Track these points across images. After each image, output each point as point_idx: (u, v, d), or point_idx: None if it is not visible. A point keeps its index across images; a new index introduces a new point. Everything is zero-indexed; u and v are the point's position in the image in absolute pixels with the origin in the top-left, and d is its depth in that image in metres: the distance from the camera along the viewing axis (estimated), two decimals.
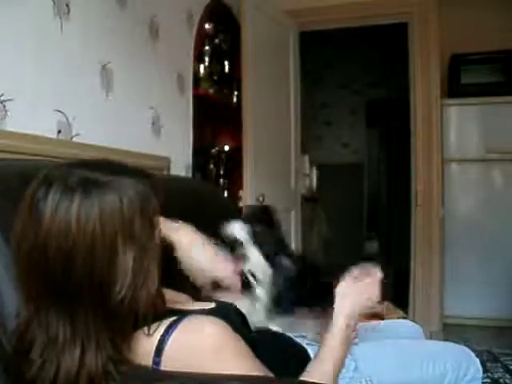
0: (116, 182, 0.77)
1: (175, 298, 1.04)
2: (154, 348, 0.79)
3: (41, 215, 0.73)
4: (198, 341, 0.80)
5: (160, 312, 0.85)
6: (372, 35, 4.59)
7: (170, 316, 0.84)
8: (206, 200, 1.82)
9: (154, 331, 0.80)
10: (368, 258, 5.18)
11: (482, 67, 3.35)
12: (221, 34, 2.90)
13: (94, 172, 0.77)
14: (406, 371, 1.07)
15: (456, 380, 1.09)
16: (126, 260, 0.75)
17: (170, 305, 0.94)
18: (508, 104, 3.28)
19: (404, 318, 1.50)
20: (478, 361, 1.14)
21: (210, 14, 2.68)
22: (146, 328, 0.81)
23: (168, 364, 0.78)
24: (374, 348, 1.12)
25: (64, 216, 0.73)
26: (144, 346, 0.80)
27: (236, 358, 0.81)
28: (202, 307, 0.96)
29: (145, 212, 0.79)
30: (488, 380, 2.34)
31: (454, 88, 3.36)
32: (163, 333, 0.80)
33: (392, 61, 4.77)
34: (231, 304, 1.02)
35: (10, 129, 1.36)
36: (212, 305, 0.99)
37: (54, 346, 0.74)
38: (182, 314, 0.85)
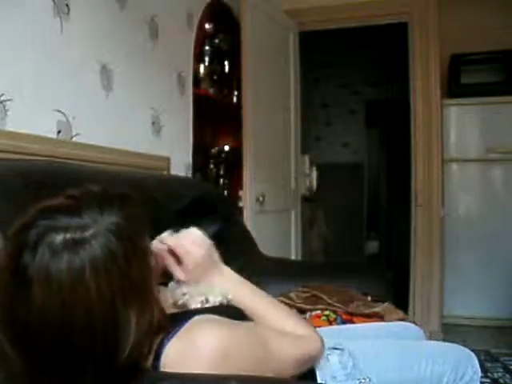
0: (98, 228, 0.71)
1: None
2: (152, 354, 0.78)
3: (30, 285, 0.67)
4: (195, 351, 0.77)
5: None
6: (372, 35, 4.59)
7: (167, 323, 0.82)
8: (205, 200, 1.82)
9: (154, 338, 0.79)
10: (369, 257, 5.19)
11: (482, 67, 3.35)
12: (221, 34, 2.90)
13: (72, 218, 0.70)
14: (405, 371, 1.07)
15: (454, 380, 1.09)
16: (129, 316, 0.71)
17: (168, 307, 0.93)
18: (508, 104, 3.28)
19: (403, 319, 1.50)
20: (476, 362, 1.13)
21: (210, 14, 2.68)
22: None
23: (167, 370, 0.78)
24: (375, 347, 1.12)
25: (57, 284, 0.67)
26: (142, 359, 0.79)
27: (245, 359, 0.80)
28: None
29: (137, 247, 0.76)
30: (488, 380, 2.34)
31: (454, 88, 3.37)
32: (158, 345, 0.78)
33: (392, 61, 4.77)
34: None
35: (10, 129, 1.36)
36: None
37: None
38: (180, 318, 0.84)
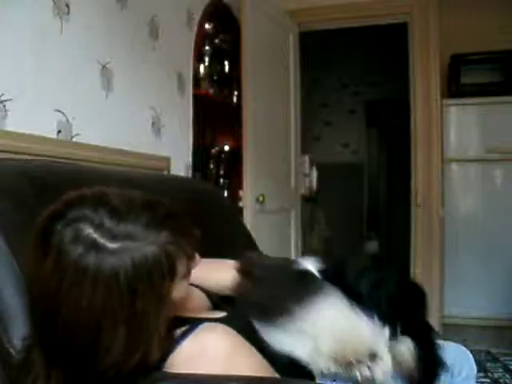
0: (128, 247, 0.69)
1: (194, 302, 1.01)
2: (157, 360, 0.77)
3: (46, 253, 0.69)
4: (205, 354, 0.77)
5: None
6: (372, 35, 4.59)
7: (180, 325, 0.82)
8: (206, 200, 1.82)
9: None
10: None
11: (481, 67, 3.34)
12: (221, 34, 2.90)
13: (113, 223, 0.70)
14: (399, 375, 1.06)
15: (451, 378, 1.09)
16: (114, 339, 0.69)
17: (184, 310, 0.93)
18: (508, 104, 3.28)
19: None
20: (472, 358, 1.14)
21: (210, 14, 2.69)
22: None
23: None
24: None
25: (61, 270, 0.68)
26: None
27: (246, 360, 0.79)
28: (214, 315, 0.95)
29: (156, 281, 0.71)
30: (488, 380, 2.34)
31: (454, 88, 3.36)
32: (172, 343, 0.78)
33: (392, 61, 4.77)
34: (244, 313, 1.00)
35: (10, 129, 1.36)
36: (223, 313, 0.97)
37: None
38: (192, 323, 0.83)
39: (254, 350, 0.82)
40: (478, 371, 2.39)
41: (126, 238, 0.70)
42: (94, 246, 0.68)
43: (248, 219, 2.57)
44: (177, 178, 2.14)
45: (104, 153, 1.71)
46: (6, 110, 1.35)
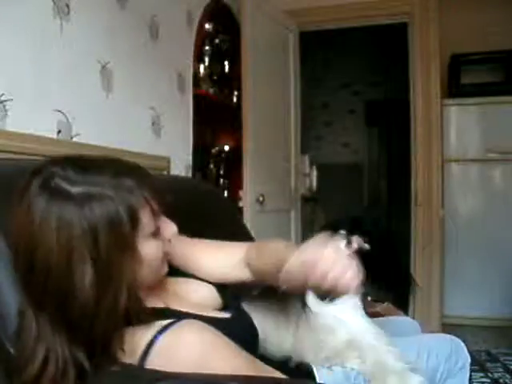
0: (90, 193, 0.74)
1: (197, 297, 1.00)
2: (140, 352, 0.77)
3: (21, 204, 0.75)
4: (179, 351, 0.77)
5: (155, 311, 0.84)
6: (372, 35, 4.59)
7: (165, 318, 0.82)
8: (206, 200, 1.82)
9: (143, 333, 0.79)
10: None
11: (482, 67, 3.35)
12: (221, 34, 2.90)
13: (77, 174, 0.75)
14: None
15: (448, 369, 1.11)
16: (83, 277, 0.72)
17: (186, 305, 0.93)
18: (508, 104, 3.28)
19: None
20: (465, 349, 1.17)
21: (210, 14, 2.68)
22: (133, 328, 0.79)
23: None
24: None
25: (30, 216, 0.73)
26: (131, 346, 0.79)
27: (222, 363, 0.77)
28: (215, 315, 0.94)
29: (115, 226, 0.75)
30: (488, 380, 2.34)
31: (454, 88, 3.37)
32: (151, 339, 0.78)
33: (392, 61, 4.77)
34: (249, 318, 0.99)
35: (10, 129, 1.36)
36: (227, 315, 0.97)
37: (25, 343, 0.75)
38: (178, 318, 0.83)
39: (234, 349, 0.80)
40: (478, 371, 2.40)
41: (88, 184, 0.75)
42: (58, 193, 0.74)
43: (248, 219, 2.57)
44: (177, 178, 2.14)
45: (104, 153, 1.71)
46: (5, 110, 1.35)
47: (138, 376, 0.76)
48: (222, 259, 1.05)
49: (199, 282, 1.03)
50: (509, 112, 3.29)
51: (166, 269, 0.90)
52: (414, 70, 3.29)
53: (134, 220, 0.77)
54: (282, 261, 0.84)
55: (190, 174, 2.48)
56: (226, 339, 0.80)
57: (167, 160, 2.21)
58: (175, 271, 1.03)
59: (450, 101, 3.36)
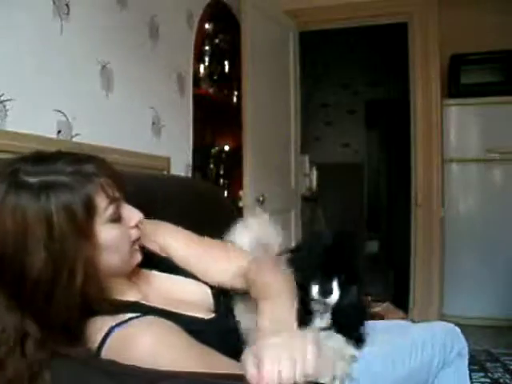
0: (46, 181, 0.79)
1: (182, 296, 1.02)
2: (98, 343, 0.81)
3: None
4: (129, 347, 0.79)
5: (126, 304, 0.87)
6: (372, 35, 4.59)
7: (132, 312, 0.85)
8: (206, 200, 1.82)
9: (103, 323, 0.83)
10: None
11: (481, 67, 3.35)
12: (221, 34, 2.90)
13: (26, 165, 0.80)
14: (398, 369, 1.06)
15: (444, 358, 1.10)
16: (37, 259, 0.76)
17: (166, 302, 0.94)
18: (508, 104, 3.28)
19: (403, 318, 1.50)
20: (461, 335, 1.15)
21: (210, 13, 2.68)
22: (101, 317, 0.83)
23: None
24: (366, 355, 1.09)
25: None
26: (93, 334, 0.82)
27: (171, 363, 0.78)
28: (195, 315, 0.95)
29: (70, 212, 0.78)
30: (488, 380, 2.34)
31: (454, 88, 3.36)
32: (107, 331, 0.81)
33: (392, 61, 4.77)
34: (234, 323, 1.00)
35: (10, 129, 1.36)
36: (209, 316, 0.98)
37: None
38: (145, 313, 0.86)
39: (195, 347, 0.82)
40: (478, 371, 2.39)
41: (45, 174, 0.79)
42: (17, 184, 0.78)
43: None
44: (177, 178, 2.14)
45: (104, 153, 1.71)
46: (6, 110, 1.35)
47: (138, 376, 0.76)
48: (231, 269, 1.05)
49: (194, 282, 1.04)
50: (509, 112, 3.29)
51: (138, 257, 0.92)
52: (414, 70, 3.29)
53: (90, 206, 0.81)
54: (259, 305, 0.85)
55: (189, 174, 2.48)
56: (183, 339, 0.82)
57: (167, 160, 2.21)
58: (174, 269, 1.04)
59: (450, 101, 3.36)
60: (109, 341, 0.81)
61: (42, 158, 0.82)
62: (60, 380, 0.78)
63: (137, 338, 0.80)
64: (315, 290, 0.99)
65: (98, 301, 0.82)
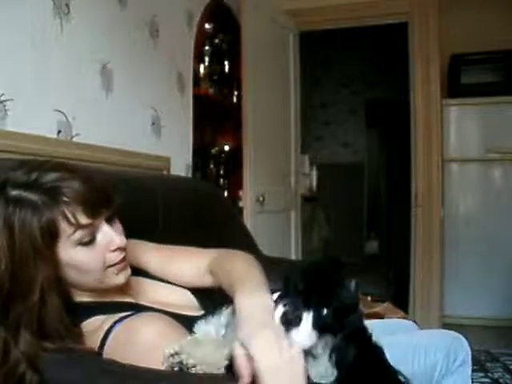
0: (20, 197, 0.80)
1: (169, 299, 1.04)
2: (99, 340, 0.82)
3: None
4: (134, 338, 0.81)
5: (121, 304, 0.89)
6: (372, 35, 4.59)
7: (128, 310, 0.87)
8: (206, 200, 1.82)
9: (103, 322, 0.84)
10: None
11: (481, 67, 3.35)
12: (221, 34, 2.90)
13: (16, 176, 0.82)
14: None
15: (447, 367, 1.09)
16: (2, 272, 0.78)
17: (154, 302, 0.97)
18: (508, 104, 3.28)
19: (404, 318, 1.50)
20: (466, 343, 1.14)
21: (210, 13, 2.68)
22: (95, 318, 0.85)
23: (108, 356, 0.81)
24: None
25: None
26: (92, 336, 0.84)
27: None
28: (182, 312, 0.97)
29: (28, 232, 0.79)
30: (488, 380, 2.34)
31: (454, 88, 3.37)
32: (109, 326, 0.83)
33: (392, 61, 4.77)
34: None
35: (10, 129, 1.36)
36: (196, 314, 0.99)
37: None
38: (139, 311, 0.88)
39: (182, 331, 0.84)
40: (478, 371, 2.39)
41: (24, 189, 0.81)
42: (1, 192, 0.81)
43: (248, 219, 2.57)
44: (177, 178, 2.15)
45: (104, 153, 1.71)
46: (6, 110, 1.35)
47: (139, 376, 0.76)
48: (189, 269, 1.07)
49: (175, 287, 1.06)
50: (509, 112, 3.29)
51: (120, 279, 0.91)
52: (414, 70, 3.29)
53: (51, 232, 0.81)
54: (232, 292, 0.84)
55: (190, 174, 2.48)
56: (182, 334, 0.83)
57: (167, 160, 2.21)
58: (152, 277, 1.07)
59: (450, 101, 3.36)
60: (111, 337, 0.82)
61: (32, 169, 0.84)
62: (59, 380, 0.78)
63: (141, 329, 0.82)
64: (279, 313, 0.77)
65: (54, 320, 0.82)
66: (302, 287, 0.78)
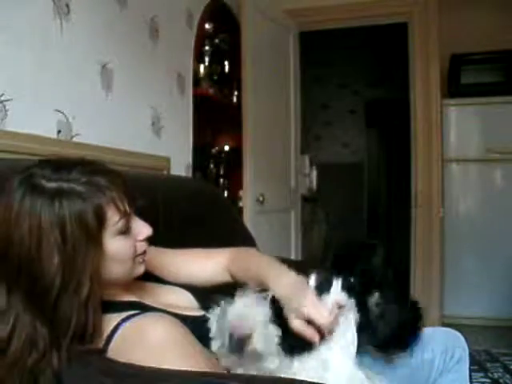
0: (61, 188, 0.80)
1: (179, 302, 1.05)
2: (105, 336, 0.83)
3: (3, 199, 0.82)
4: (142, 338, 0.81)
5: (129, 303, 0.90)
6: (372, 35, 4.59)
7: (134, 309, 0.88)
8: (206, 200, 1.82)
9: (110, 320, 0.85)
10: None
11: (482, 67, 3.35)
12: (221, 34, 2.90)
13: (45, 172, 0.81)
14: (399, 367, 1.06)
15: (444, 363, 1.10)
16: (50, 264, 0.78)
17: (159, 303, 0.97)
18: (508, 104, 3.28)
19: None
20: (463, 340, 1.14)
21: (210, 14, 2.68)
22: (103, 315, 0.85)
23: (113, 354, 0.81)
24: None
25: (7, 206, 0.80)
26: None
27: (179, 360, 0.80)
28: (185, 313, 0.97)
29: (81, 221, 0.80)
30: (488, 380, 2.34)
31: (454, 88, 3.37)
32: (116, 324, 0.83)
33: (392, 61, 4.77)
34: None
35: (10, 129, 1.36)
36: (198, 314, 1.00)
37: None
38: (146, 311, 0.89)
39: (197, 344, 0.85)
40: (478, 371, 2.39)
41: (62, 181, 0.81)
42: (33, 188, 0.80)
43: (248, 219, 2.57)
44: (177, 178, 2.15)
45: (104, 153, 1.71)
46: (6, 110, 1.35)
47: (138, 376, 0.76)
48: (210, 267, 1.13)
49: (178, 288, 1.08)
50: (509, 112, 3.29)
51: (141, 269, 0.94)
52: (414, 70, 3.29)
53: (100, 217, 0.82)
54: (263, 281, 0.96)
55: (190, 174, 2.48)
56: (188, 336, 0.84)
57: (167, 160, 2.21)
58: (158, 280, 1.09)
59: (450, 101, 3.36)
60: (116, 336, 0.82)
61: (59, 165, 0.84)
62: (60, 379, 0.78)
63: (149, 329, 0.82)
64: (311, 281, 0.93)
65: (95, 310, 0.83)
66: (330, 263, 0.95)
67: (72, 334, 0.79)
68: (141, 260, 0.92)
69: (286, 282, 0.93)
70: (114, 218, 0.84)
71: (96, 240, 0.82)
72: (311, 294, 0.90)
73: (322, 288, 0.91)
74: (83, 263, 0.80)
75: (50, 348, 0.78)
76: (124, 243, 0.87)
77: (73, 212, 0.79)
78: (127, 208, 0.86)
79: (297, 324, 0.88)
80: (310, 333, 0.88)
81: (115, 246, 0.85)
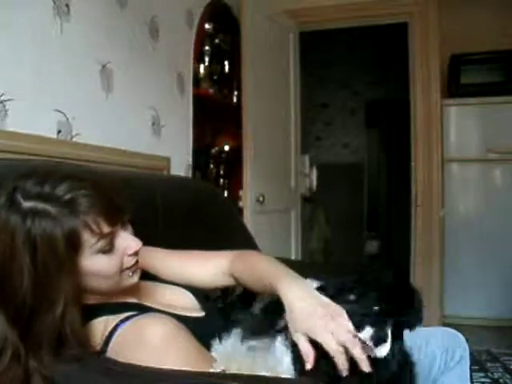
0: (36, 208, 0.79)
1: (180, 302, 1.05)
2: (104, 338, 0.83)
3: None
4: (142, 338, 0.81)
5: (127, 304, 0.90)
6: (372, 35, 4.59)
7: (133, 311, 0.88)
8: (206, 200, 1.82)
9: (107, 321, 0.85)
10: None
11: (481, 67, 3.35)
12: (221, 34, 2.89)
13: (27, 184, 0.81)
14: None
15: (445, 363, 1.10)
16: (21, 282, 0.78)
17: (159, 304, 0.97)
18: (508, 104, 3.28)
19: None
20: (463, 340, 1.14)
21: (210, 14, 2.68)
22: (101, 318, 0.85)
23: (112, 355, 0.81)
24: None
25: None
26: (97, 335, 0.84)
27: (179, 361, 0.80)
28: (186, 314, 0.98)
29: (51, 244, 0.79)
30: (488, 380, 2.34)
31: (454, 88, 3.37)
32: (114, 325, 0.83)
33: (392, 61, 4.77)
34: (221, 319, 1.03)
35: (10, 129, 1.36)
36: (199, 315, 1.01)
37: None
38: (145, 311, 0.89)
39: (195, 345, 0.85)
40: (478, 371, 2.39)
41: (39, 200, 0.79)
42: (11, 204, 0.79)
43: (248, 219, 2.57)
44: (177, 178, 2.15)
45: (104, 153, 1.71)
46: (6, 110, 1.35)
47: (137, 376, 0.76)
48: (211, 269, 1.10)
49: (178, 288, 1.08)
50: (509, 112, 3.29)
51: (133, 280, 0.92)
52: (414, 70, 3.29)
53: (73, 241, 0.81)
54: (271, 287, 0.89)
55: (190, 174, 2.48)
56: (187, 336, 0.84)
57: (167, 160, 2.21)
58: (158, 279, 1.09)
59: (450, 101, 3.36)
60: (115, 337, 0.82)
61: (46, 178, 0.83)
62: (59, 381, 0.78)
63: (148, 329, 0.82)
64: (368, 333, 0.80)
65: (75, 329, 0.82)
66: (378, 308, 0.83)
67: (49, 344, 0.79)
68: (130, 273, 0.91)
69: (298, 296, 0.84)
70: (90, 240, 0.82)
71: (68, 264, 0.81)
72: (328, 322, 0.79)
73: (378, 341, 0.80)
74: (56, 283, 0.79)
75: (25, 356, 0.77)
76: (107, 260, 0.85)
77: (44, 234, 0.78)
78: (105, 229, 0.83)
79: (301, 340, 0.79)
80: (310, 357, 0.78)
81: (96, 264, 0.84)
